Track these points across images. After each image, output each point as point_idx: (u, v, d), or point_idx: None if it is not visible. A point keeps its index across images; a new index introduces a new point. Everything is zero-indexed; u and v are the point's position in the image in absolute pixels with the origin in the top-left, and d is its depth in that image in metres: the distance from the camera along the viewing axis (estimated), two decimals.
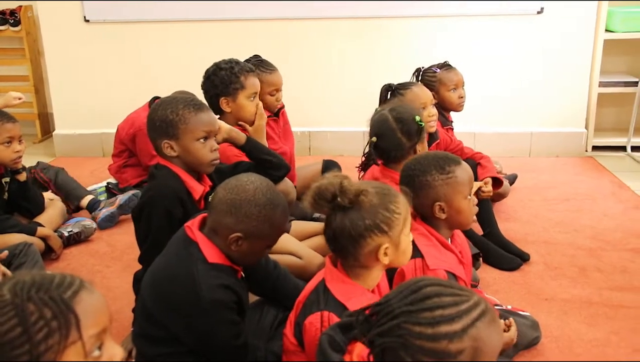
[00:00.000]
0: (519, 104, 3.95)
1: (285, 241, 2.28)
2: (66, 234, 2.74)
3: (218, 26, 3.99)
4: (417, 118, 2.09)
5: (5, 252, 2.24)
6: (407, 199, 1.45)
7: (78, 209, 3.10)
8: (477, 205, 1.81)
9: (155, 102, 2.36)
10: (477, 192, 2.48)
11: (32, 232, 2.54)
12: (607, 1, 3.79)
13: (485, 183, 2.58)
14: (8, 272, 2.01)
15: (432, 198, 1.70)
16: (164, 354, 1.55)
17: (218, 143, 1.96)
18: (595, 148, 4.03)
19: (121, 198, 3.07)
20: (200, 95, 2.35)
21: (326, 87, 4.04)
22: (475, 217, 1.97)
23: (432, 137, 2.59)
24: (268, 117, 2.62)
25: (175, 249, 1.57)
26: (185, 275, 1.49)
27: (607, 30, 3.83)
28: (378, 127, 2.13)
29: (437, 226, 1.73)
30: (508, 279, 2.40)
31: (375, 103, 2.62)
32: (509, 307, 2.01)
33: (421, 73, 2.89)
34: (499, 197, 2.94)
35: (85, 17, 4.03)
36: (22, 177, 2.65)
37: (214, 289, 1.47)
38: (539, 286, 2.33)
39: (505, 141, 3.97)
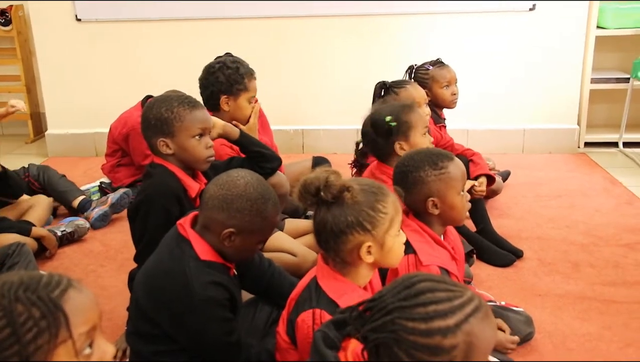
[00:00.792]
0: (511, 101, 3.96)
1: (279, 238, 2.29)
2: (59, 233, 2.72)
3: (211, 24, 3.97)
4: (388, 118, 2.11)
5: None
6: (399, 199, 1.44)
7: (72, 210, 3.07)
8: (469, 201, 1.81)
9: (148, 101, 2.36)
10: (470, 191, 2.49)
11: (27, 233, 2.53)
12: None
13: (480, 183, 2.59)
14: None
15: (425, 194, 1.70)
16: (157, 352, 1.55)
17: (213, 138, 1.97)
18: (587, 144, 4.05)
19: (112, 197, 3.05)
20: (192, 95, 2.34)
21: (319, 84, 4.04)
22: (468, 214, 1.98)
23: None
24: None
25: (167, 246, 1.57)
26: (177, 272, 1.49)
27: (598, 27, 3.84)
28: (362, 130, 2.24)
29: (430, 222, 1.73)
30: (502, 275, 2.41)
31: (368, 101, 2.62)
32: (503, 303, 2.02)
33: (414, 70, 2.89)
34: (492, 193, 2.95)
35: (76, 16, 4.01)
36: None
37: (206, 286, 1.47)
38: (533, 282, 2.34)
39: (498, 138, 3.98)
